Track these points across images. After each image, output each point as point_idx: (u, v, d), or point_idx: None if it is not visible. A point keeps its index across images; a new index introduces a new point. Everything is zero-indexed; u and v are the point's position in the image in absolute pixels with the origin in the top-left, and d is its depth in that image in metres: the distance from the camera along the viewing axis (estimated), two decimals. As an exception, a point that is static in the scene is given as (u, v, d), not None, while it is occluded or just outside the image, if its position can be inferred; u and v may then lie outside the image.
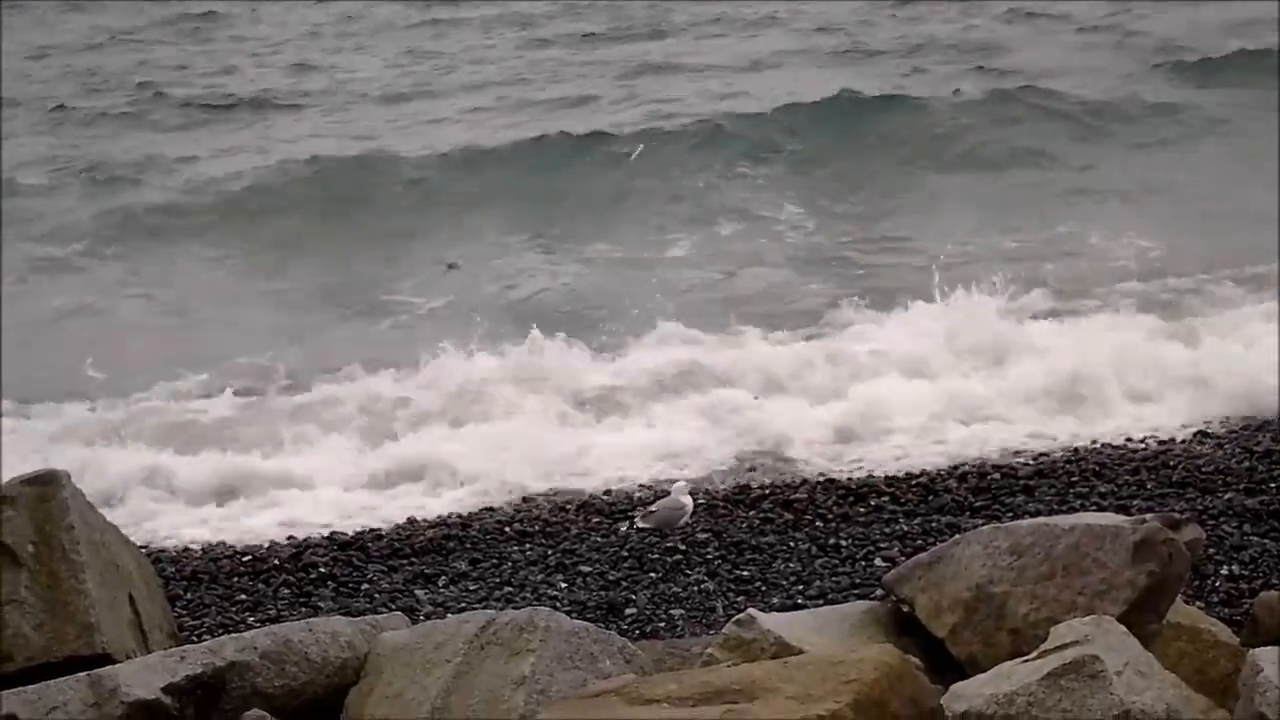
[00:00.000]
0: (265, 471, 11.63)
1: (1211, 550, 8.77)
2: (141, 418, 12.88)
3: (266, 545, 10.41)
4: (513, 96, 25.04)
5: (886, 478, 10.84)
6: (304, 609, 9.14)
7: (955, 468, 11.01)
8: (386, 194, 19.81)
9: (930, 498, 10.39)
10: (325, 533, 10.51)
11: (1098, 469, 10.72)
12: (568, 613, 6.47)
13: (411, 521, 10.67)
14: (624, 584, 9.29)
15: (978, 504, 10.20)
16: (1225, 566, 8.75)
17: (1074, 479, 10.54)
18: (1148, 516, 6.11)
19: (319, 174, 20.47)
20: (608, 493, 11.06)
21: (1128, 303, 14.40)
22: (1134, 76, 23.73)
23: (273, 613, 9.15)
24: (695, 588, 9.14)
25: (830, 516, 10.15)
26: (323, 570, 9.82)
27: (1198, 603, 7.80)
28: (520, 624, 5.95)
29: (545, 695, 5.68)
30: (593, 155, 20.72)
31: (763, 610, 6.40)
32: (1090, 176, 19.48)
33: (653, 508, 10.13)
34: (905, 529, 9.79)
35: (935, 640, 6.13)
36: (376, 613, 8.16)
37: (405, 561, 9.91)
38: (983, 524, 7.67)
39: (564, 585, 9.33)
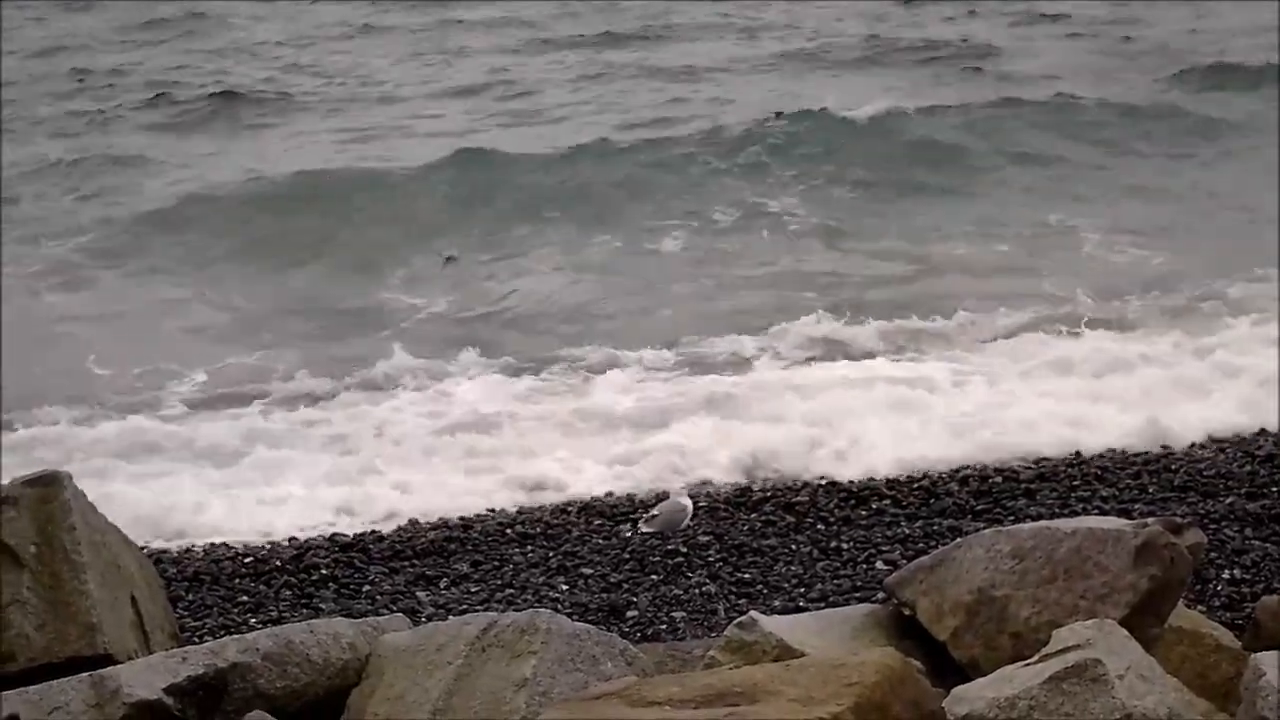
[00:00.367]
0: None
1: (1213, 554, 8.78)
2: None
3: (268, 547, 10.41)
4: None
5: (888, 480, 10.84)
6: (306, 610, 9.14)
7: (957, 471, 11.00)
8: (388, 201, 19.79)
9: (932, 501, 10.39)
10: (327, 534, 10.52)
11: (1099, 473, 10.72)
12: (569, 615, 6.48)
13: (413, 523, 10.68)
14: (625, 586, 9.29)
15: (979, 507, 10.20)
16: (1227, 571, 8.75)
17: (1075, 483, 10.54)
18: (1149, 520, 6.10)
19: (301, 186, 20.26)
20: (609, 494, 11.06)
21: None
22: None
23: (274, 614, 9.15)
24: (697, 590, 9.14)
25: (832, 519, 10.15)
26: (324, 572, 9.82)
27: (1200, 607, 7.79)
28: (522, 626, 5.95)
29: (546, 697, 5.67)
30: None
31: (764, 613, 6.40)
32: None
33: (654, 510, 10.15)
34: (907, 532, 9.79)
35: (937, 643, 6.12)
36: (378, 614, 8.16)
37: (407, 563, 9.91)
38: (984, 527, 7.67)
39: (565, 587, 9.33)
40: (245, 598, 9.51)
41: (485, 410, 12.80)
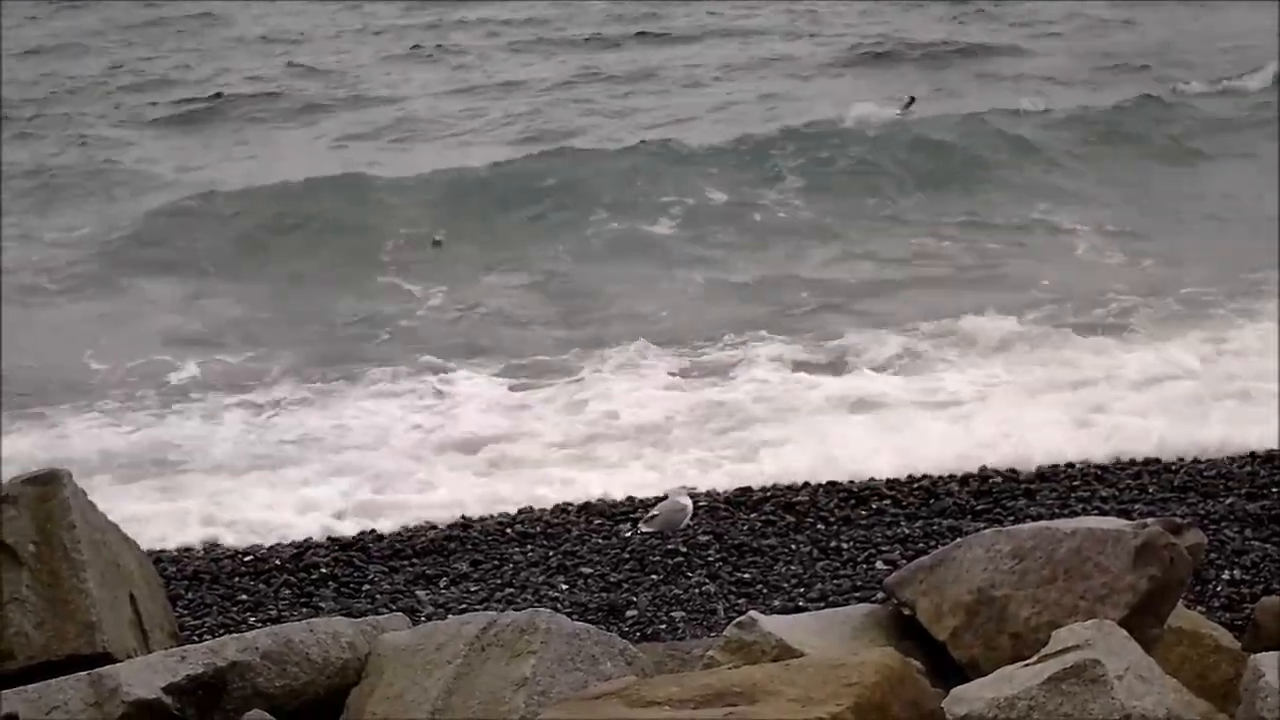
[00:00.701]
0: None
1: (1213, 555, 8.78)
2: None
3: (268, 546, 10.41)
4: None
5: (888, 481, 10.83)
6: (305, 609, 9.14)
7: (956, 471, 11.00)
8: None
9: (932, 501, 10.38)
10: (326, 533, 10.52)
11: (1099, 473, 10.72)
12: (569, 614, 6.47)
13: (412, 524, 10.66)
14: (625, 586, 9.29)
15: (979, 507, 10.19)
16: (1227, 571, 8.75)
17: (1075, 483, 10.54)
18: (1149, 521, 6.10)
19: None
20: (608, 494, 11.05)
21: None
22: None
23: (274, 613, 9.15)
24: (696, 590, 9.14)
25: (832, 519, 10.14)
26: (324, 571, 9.82)
27: (1199, 607, 7.80)
28: (521, 625, 5.95)
29: (546, 697, 5.67)
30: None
31: (764, 613, 6.39)
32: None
33: (654, 510, 10.14)
34: (906, 532, 9.79)
35: (936, 643, 6.12)
36: (378, 613, 8.16)
37: (406, 562, 9.91)
38: (984, 527, 7.66)
39: (565, 587, 9.32)
40: (244, 596, 9.51)
41: (483, 410, 12.79)
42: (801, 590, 9.00)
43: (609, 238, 18.23)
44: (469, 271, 17.31)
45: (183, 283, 17.44)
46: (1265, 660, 5.29)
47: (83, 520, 6.98)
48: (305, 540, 10.41)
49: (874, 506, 10.32)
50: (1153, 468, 10.78)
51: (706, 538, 9.87)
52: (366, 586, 9.54)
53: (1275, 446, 10.90)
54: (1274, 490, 10.05)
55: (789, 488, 10.83)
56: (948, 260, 16.99)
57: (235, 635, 6.38)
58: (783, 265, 17.06)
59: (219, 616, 9.15)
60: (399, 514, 10.84)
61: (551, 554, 9.85)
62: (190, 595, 9.53)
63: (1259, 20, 26.89)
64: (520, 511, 10.75)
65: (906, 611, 6.30)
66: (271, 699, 6.06)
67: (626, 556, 9.69)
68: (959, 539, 6.48)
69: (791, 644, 5.89)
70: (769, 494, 10.69)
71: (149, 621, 7.19)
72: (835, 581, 9.08)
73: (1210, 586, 8.56)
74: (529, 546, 10.04)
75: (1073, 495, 10.28)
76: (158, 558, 9.79)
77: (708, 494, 10.72)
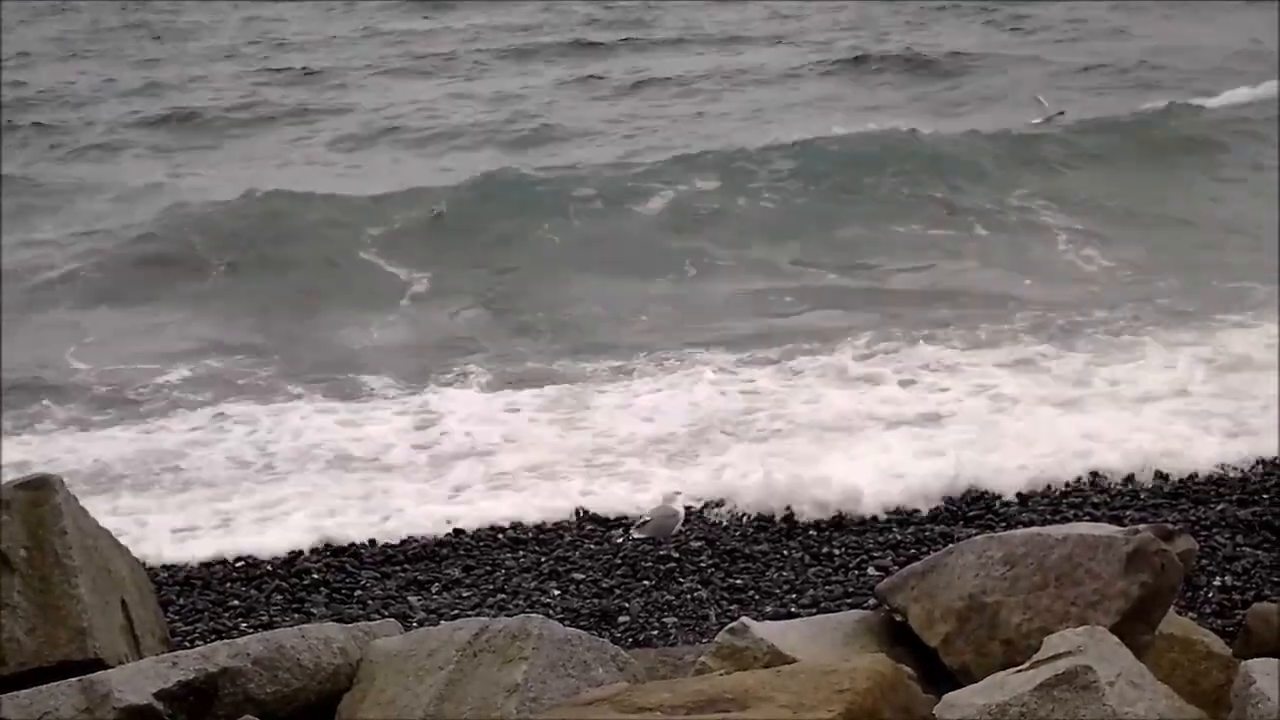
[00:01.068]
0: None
1: (1204, 561, 8.79)
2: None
3: (260, 552, 10.38)
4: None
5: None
6: (297, 615, 9.13)
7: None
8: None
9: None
10: (318, 539, 10.50)
11: (1091, 479, 10.71)
12: (561, 620, 6.49)
13: (405, 533, 10.64)
14: (617, 592, 9.29)
15: (971, 513, 10.20)
16: (1218, 578, 8.76)
17: (1067, 489, 10.54)
18: (1141, 527, 6.11)
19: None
20: (600, 501, 11.03)
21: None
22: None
23: (265, 619, 9.14)
24: (688, 596, 9.13)
25: (823, 525, 10.14)
26: (315, 576, 9.81)
27: (1190, 614, 7.81)
28: (513, 631, 5.95)
29: (537, 703, 5.68)
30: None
31: (756, 619, 6.40)
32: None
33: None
34: (898, 538, 9.79)
35: (928, 650, 6.12)
36: (369, 619, 8.17)
37: (398, 568, 9.90)
38: (976, 534, 7.66)
39: (557, 593, 9.32)
40: (236, 602, 9.49)
41: (474, 419, 12.78)
42: (793, 596, 9.00)
43: (592, 247, 18.25)
44: (459, 279, 17.30)
45: (172, 291, 17.39)
46: (1256, 666, 5.30)
47: (74, 526, 6.97)
48: (297, 546, 10.39)
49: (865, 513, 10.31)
50: (1144, 474, 10.77)
51: (699, 544, 9.87)
52: (358, 592, 9.53)
53: (1266, 454, 10.90)
54: (1265, 496, 10.07)
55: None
56: (931, 272, 17.01)
57: (227, 641, 6.38)
58: (764, 276, 17.05)
59: (210, 622, 9.14)
60: (391, 521, 10.82)
61: (543, 560, 9.85)
62: (182, 601, 9.51)
63: (1259, 29, 27.01)
64: (512, 524, 10.73)
65: (898, 618, 6.31)
66: (263, 705, 6.06)
67: (619, 562, 9.69)
68: (950, 545, 6.49)
69: (783, 650, 5.90)
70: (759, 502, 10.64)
71: (140, 627, 7.19)
72: (827, 587, 9.08)
73: (1202, 593, 8.56)
74: (521, 552, 10.03)
75: (1064, 501, 10.29)
76: (148, 564, 9.78)
77: (699, 500, 10.71)
